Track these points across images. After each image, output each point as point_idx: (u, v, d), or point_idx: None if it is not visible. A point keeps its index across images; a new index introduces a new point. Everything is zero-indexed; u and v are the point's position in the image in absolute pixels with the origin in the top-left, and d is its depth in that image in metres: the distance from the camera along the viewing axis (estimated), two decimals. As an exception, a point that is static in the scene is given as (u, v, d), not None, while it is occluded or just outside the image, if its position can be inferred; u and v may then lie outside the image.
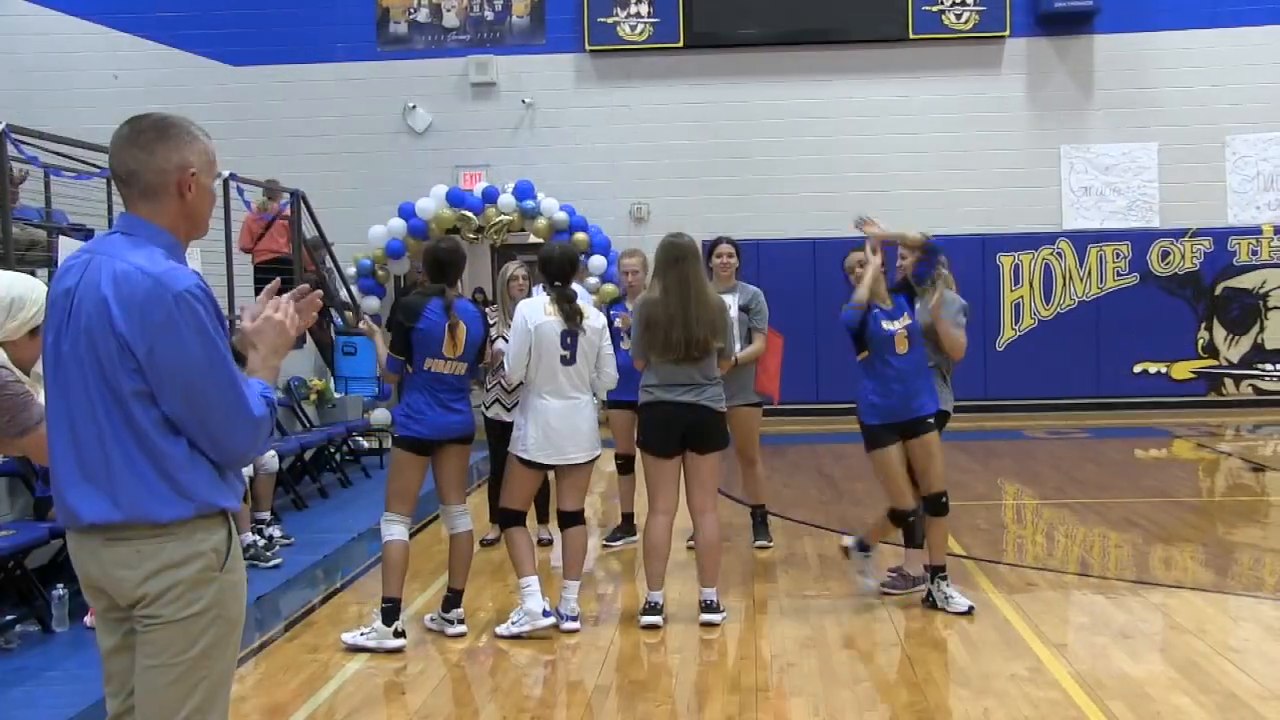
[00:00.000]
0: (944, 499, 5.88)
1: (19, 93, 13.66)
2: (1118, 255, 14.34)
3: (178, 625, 2.57)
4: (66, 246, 7.64)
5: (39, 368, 2.97)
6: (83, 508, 2.57)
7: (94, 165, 8.93)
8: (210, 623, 2.60)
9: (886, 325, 5.76)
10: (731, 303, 6.83)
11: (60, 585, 5.94)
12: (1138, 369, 14.27)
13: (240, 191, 10.40)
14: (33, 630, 5.77)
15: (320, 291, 2.93)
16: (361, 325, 6.64)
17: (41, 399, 2.88)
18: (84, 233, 9.00)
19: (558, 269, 5.70)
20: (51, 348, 2.61)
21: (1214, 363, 14.28)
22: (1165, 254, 14.25)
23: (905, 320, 5.79)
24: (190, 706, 2.58)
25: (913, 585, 6.13)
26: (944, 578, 5.88)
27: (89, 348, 2.53)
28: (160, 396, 2.52)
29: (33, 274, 8.23)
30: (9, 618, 5.63)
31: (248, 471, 6.92)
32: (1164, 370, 14.22)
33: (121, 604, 2.63)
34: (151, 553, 2.56)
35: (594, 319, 5.74)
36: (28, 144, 7.57)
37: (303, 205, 11.65)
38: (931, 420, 5.85)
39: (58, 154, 8.59)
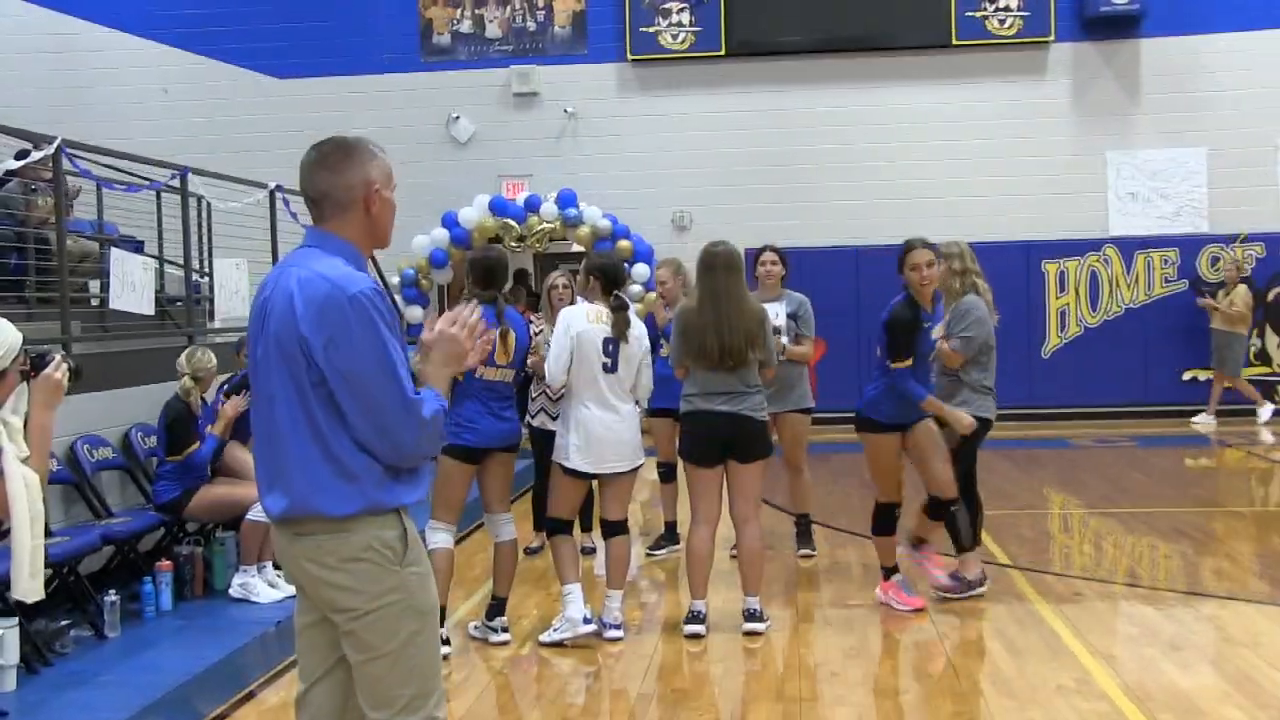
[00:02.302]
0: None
1: (71, 107, 13.93)
2: (1165, 261, 14.14)
3: (373, 616, 2.72)
4: (118, 258, 7.77)
5: (6, 412, 3.00)
6: (269, 503, 2.79)
7: (144, 178, 9.08)
8: (402, 612, 2.74)
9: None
10: (779, 311, 6.82)
11: (112, 590, 6.04)
12: (1187, 376, 14.04)
13: (286, 203, 10.52)
14: (86, 635, 5.87)
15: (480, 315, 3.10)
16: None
17: (6, 444, 2.88)
18: (134, 244, 9.15)
19: (612, 277, 5.73)
20: (250, 357, 2.87)
21: (1266, 370, 14.03)
22: (1215, 259, 14.03)
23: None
24: (409, 694, 2.75)
25: (969, 589, 6.09)
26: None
27: (278, 348, 2.73)
28: (335, 393, 2.69)
29: (85, 287, 8.47)
30: (63, 623, 5.73)
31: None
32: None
33: (312, 600, 2.81)
34: (332, 548, 2.71)
35: (638, 328, 5.77)
36: (81, 158, 7.72)
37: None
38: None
39: (109, 167, 8.75)
